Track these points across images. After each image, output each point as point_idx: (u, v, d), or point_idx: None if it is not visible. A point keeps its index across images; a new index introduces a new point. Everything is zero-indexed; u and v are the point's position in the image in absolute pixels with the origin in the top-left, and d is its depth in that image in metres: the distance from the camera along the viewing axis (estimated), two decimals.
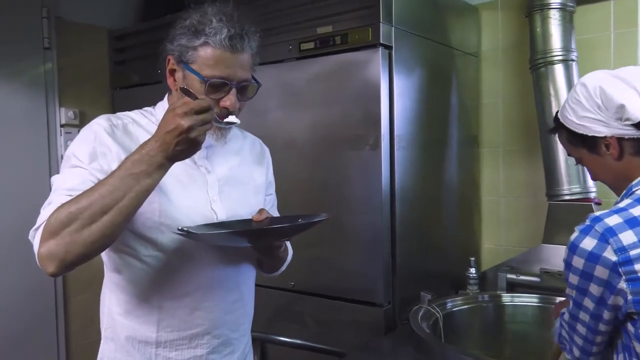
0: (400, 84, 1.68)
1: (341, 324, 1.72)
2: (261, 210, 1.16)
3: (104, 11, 2.42)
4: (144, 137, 1.12)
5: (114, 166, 1.02)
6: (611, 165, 1.05)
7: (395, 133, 1.65)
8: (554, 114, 1.61)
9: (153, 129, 1.14)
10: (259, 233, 1.12)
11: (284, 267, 1.33)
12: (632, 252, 0.89)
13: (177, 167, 1.12)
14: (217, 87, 1.09)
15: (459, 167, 2.04)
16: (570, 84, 1.75)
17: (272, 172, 1.39)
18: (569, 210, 1.75)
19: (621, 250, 0.89)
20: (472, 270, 1.85)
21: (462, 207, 2.08)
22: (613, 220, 0.92)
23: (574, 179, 1.74)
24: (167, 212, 1.09)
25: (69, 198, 0.99)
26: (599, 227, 0.92)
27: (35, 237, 1.00)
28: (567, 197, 1.75)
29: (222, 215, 1.16)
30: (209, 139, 1.11)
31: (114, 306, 1.18)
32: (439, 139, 1.94)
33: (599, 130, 1.03)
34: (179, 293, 1.13)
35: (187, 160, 1.14)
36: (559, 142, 1.70)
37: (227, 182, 1.21)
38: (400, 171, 1.68)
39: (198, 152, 1.14)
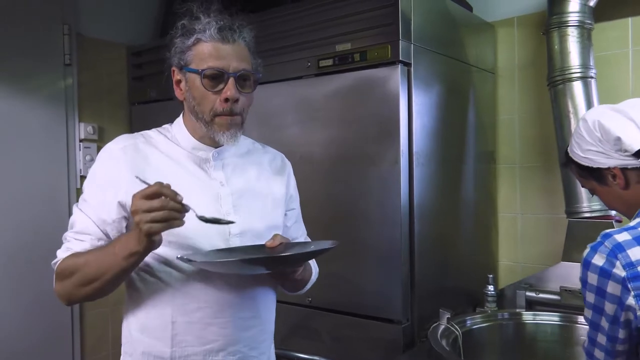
0: (419, 100, 1.68)
1: (359, 341, 1.70)
2: (275, 236, 1.14)
3: (123, 28, 2.46)
4: (155, 155, 1.17)
5: (124, 190, 1.10)
6: (620, 194, 1.11)
7: (414, 149, 1.65)
8: (573, 131, 1.64)
9: (167, 146, 1.19)
10: (257, 262, 1.09)
11: (308, 287, 1.33)
12: None
13: (187, 181, 1.16)
14: (214, 78, 1.11)
15: (475, 183, 2.04)
16: (589, 101, 1.75)
17: (294, 186, 1.38)
18: (589, 227, 1.73)
19: (629, 265, 0.92)
20: (491, 287, 1.84)
21: (479, 224, 2.07)
22: (622, 237, 0.95)
23: (593, 196, 1.72)
24: (177, 230, 1.07)
25: (78, 242, 1.12)
26: (608, 244, 0.96)
27: (54, 270, 1.13)
28: (587, 215, 1.73)
29: (236, 229, 1.16)
30: (224, 140, 1.15)
31: (131, 321, 1.18)
32: (457, 155, 1.94)
33: (603, 162, 1.09)
34: (191, 308, 1.13)
35: (199, 173, 1.18)
36: None
37: (243, 195, 1.21)
38: (419, 187, 1.67)
39: (213, 164, 1.19)
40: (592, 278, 0.97)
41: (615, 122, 1.07)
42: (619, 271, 0.93)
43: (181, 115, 1.24)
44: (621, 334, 0.95)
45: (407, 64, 1.65)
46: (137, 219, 0.96)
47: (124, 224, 1.14)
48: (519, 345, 1.71)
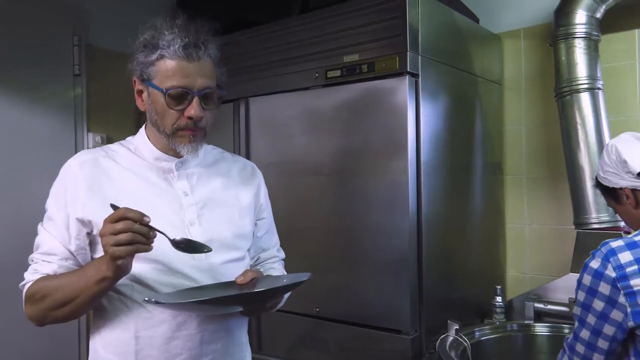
0: (427, 111, 1.69)
1: (366, 352, 1.70)
2: (245, 272, 1.12)
3: (133, 38, 2.47)
4: (115, 169, 1.16)
5: (80, 205, 1.10)
6: (632, 213, 1.23)
7: (422, 160, 1.66)
8: (580, 142, 1.67)
9: (129, 159, 1.18)
10: (230, 300, 1.04)
11: (282, 303, 1.26)
12: (628, 269, 1.05)
13: (150, 192, 1.15)
14: (178, 97, 1.09)
15: (483, 193, 2.04)
16: (597, 112, 1.76)
17: (265, 195, 1.36)
18: (598, 238, 1.68)
19: (619, 267, 1.05)
20: (499, 298, 1.83)
21: (486, 234, 2.07)
22: (616, 244, 1.09)
23: (602, 208, 1.72)
24: None
25: (45, 264, 1.11)
26: (604, 249, 1.09)
27: (23, 292, 1.12)
28: (596, 226, 1.73)
29: (200, 238, 1.13)
30: (185, 153, 1.14)
31: (96, 339, 1.17)
32: (464, 165, 1.94)
33: (616, 182, 1.23)
34: (155, 322, 1.10)
35: (162, 184, 1.17)
36: (585, 170, 1.72)
37: (207, 205, 1.19)
38: (427, 198, 1.67)
39: (176, 174, 1.18)
40: (587, 279, 1.10)
41: (627, 146, 1.20)
42: (610, 272, 1.05)
43: (144, 126, 1.23)
44: (606, 329, 1.07)
45: (414, 75, 1.66)
46: (103, 242, 0.96)
47: (87, 241, 1.12)
48: (528, 357, 1.70)
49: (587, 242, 1.76)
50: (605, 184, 1.26)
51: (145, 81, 1.12)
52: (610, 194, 1.27)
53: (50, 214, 1.13)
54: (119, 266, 0.97)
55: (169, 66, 1.08)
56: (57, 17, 2.21)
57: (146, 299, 1.02)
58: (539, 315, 1.80)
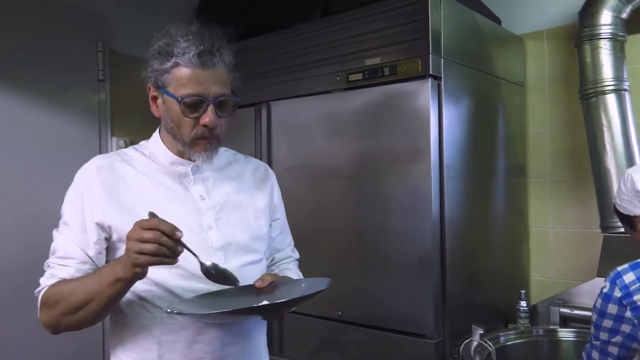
0: (449, 114, 1.68)
1: (389, 356, 1.69)
2: (264, 276, 1.12)
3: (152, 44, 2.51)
4: (131, 173, 1.15)
5: (99, 210, 1.09)
6: None
7: (445, 163, 1.65)
8: (606, 144, 1.64)
9: (144, 163, 1.18)
10: (251, 311, 1.02)
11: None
12: (632, 287, 1.15)
13: (166, 197, 1.14)
14: (193, 105, 1.09)
15: (506, 197, 2.01)
16: (623, 114, 1.73)
17: (279, 196, 1.35)
18: (625, 242, 1.69)
19: (624, 287, 1.16)
20: (523, 303, 1.81)
21: (510, 238, 2.04)
22: (622, 267, 1.18)
23: None
24: None
25: (62, 268, 1.09)
26: (612, 274, 1.19)
27: (39, 298, 1.10)
28: (623, 229, 1.70)
29: (218, 242, 1.14)
30: (200, 161, 1.15)
31: (117, 343, 1.17)
32: (486, 168, 1.93)
33: (630, 209, 1.32)
34: (176, 326, 1.10)
35: (178, 189, 1.16)
36: (612, 172, 1.70)
37: (224, 208, 1.19)
38: (450, 201, 1.66)
39: (192, 178, 1.18)
40: (598, 302, 1.21)
41: None
42: (617, 293, 1.16)
43: (157, 130, 1.22)
44: (616, 339, 1.18)
45: (437, 78, 1.65)
46: (128, 245, 0.95)
47: (105, 245, 1.12)
48: None
49: (614, 246, 1.73)
50: (621, 211, 1.35)
51: (160, 88, 1.12)
52: (626, 220, 1.37)
53: (66, 219, 1.12)
54: (137, 272, 0.97)
55: (183, 74, 1.08)
56: (81, 24, 2.25)
57: (168, 310, 1.00)
58: (565, 321, 1.77)
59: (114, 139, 2.33)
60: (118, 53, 2.38)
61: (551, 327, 1.71)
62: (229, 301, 1.04)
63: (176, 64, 1.08)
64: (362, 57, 1.77)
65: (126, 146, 2.34)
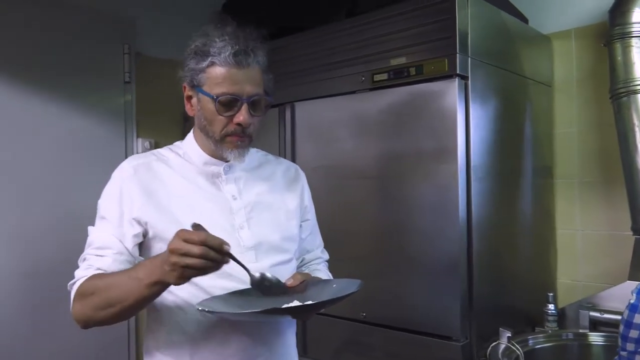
0: (476, 114, 1.66)
1: (415, 358, 1.67)
2: (295, 275, 1.13)
3: (180, 46, 2.52)
4: (167, 173, 1.18)
5: (137, 207, 1.11)
6: None
7: (472, 164, 1.63)
8: (638, 145, 1.61)
9: (178, 163, 1.20)
10: (283, 311, 1.02)
11: None
12: None
13: (199, 197, 1.16)
14: (227, 104, 1.11)
15: (533, 198, 1.98)
16: None
17: (309, 197, 1.37)
18: None
19: None
20: (551, 306, 1.78)
21: (537, 240, 2.01)
22: None
23: None
24: None
25: (99, 259, 1.10)
26: (638, 285, 1.25)
27: (72, 291, 1.11)
28: None
29: (250, 242, 1.16)
30: (232, 158, 1.16)
31: (150, 339, 1.19)
32: (513, 169, 1.90)
33: None
34: (209, 324, 1.11)
35: (211, 189, 1.18)
36: None
37: (255, 208, 1.21)
38: (477, 202, 1.64)
39: (224, 178, 1.19)
40: (625, 313, 1.24)
41: None
42: None
43: (191, 131, 1.25)
44: None
45: (464, 78, 1.63)
46: (173, 259, 0.93)
47: (140, 241, 1.14)
48: None
49: None
50: None
51: (195, 87, 1.14)
52: None
53: (104, 213, 1.14)
54: (181, 283, 0.97)
55: (219, 73, 1.10)
56: (108, 27, 2.28)
57: (199, 308, 1.01)
58: (594, 325, 1.73)
59: (140, 140, 2.37)
60: (144, 55, 2.42)
61: (581, 331, 1.68)
62: (260, 300, 1.05)
63: (212, 63, 1.10)
64: (388, 57, 1.76)
65: (151, 147, 2.39)
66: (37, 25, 2.07)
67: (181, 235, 0.94)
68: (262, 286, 1.05)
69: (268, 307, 0.99)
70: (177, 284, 0.97)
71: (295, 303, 1.03)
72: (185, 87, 1.18)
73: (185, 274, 0.95)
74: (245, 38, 1.13)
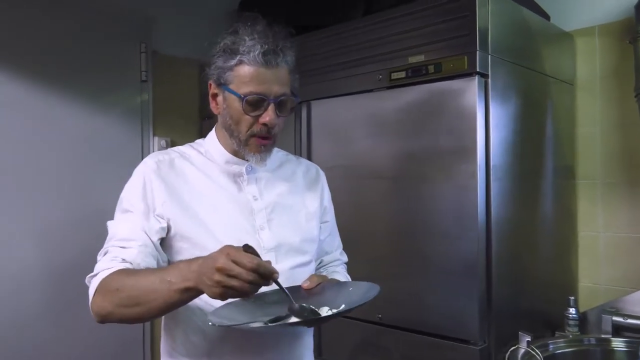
0: (496, 113, 1.62)
1: None
2: (311, 277, 1.11)
3: (197, 44, 2.52)
4: (189, 170, 1.17)
5: (160, 202, 1.09)
6: None
7: (491, 163, 1.59)
8: None
9: (200, 161, 1.19)
10: (299, 324, 1.00)
11: None
12: None
13: (220, 196, 1.15)
14: (254, 103, 1.10)
15: (554, 199, 1.94)
16: None
17: (328, 198, 1.36)
18: None
19: None
20: (572, 310, 1.74)
21: (558, 242, 1.96)
22: None
23: None
24: (209, 246, 1.05)
25: (122, 250, 1.06)
26: None
27: (91, 284, 1.06)
28: None
29: (270, 243, 1.15)
30: (254, 162, 1.15)
31: (167, 339, 1.18)
32: (534, 169, 1.86)
33: None
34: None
35: (232, 188, 1.17)
36: None
37: (276, 209, 1.20)
38: (497, 203, 1.61)
39: (246, 178, 1.18)
40: None
41: None
42: None
43: (214, 129, 1.24)
44: None
45: (484, 76, 1.59)
46: (217, 277, 0.89)
47: (164, 235, 1.12)
48: None
49: None
50: None
51: (221, 85, 1.13)
52: None
53: (127, 206, 1.12)
54: (218, 299, 0.95)
55: (247, 72, 1.09)
56: (125, 26, 2.29)
57: (210, 323, 0.97)
58: (617, 330, 1.68)
59: (156, 138, 2.37)
60: (160, 54, 2.42)
61: (603, 336, 1.63)
62: (274, 306, 1.03)
63: (240, 62, 1.10)
64: (405, 55, 1.73)
65: (167, 146, 2.39)
66: (55, 24, 2.08)
67: (231, 254, 0.90)
68: (298, 314, 1.01)
69: (281, 315, 0.98)
70: (213, 298, 0.94)
71: (309, 318, 1.02)
72: (211, 85, 1.17)
73: (226, 294, 0.92)
74: (275, 37, 1.12)
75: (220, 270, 0.90)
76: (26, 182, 2.01)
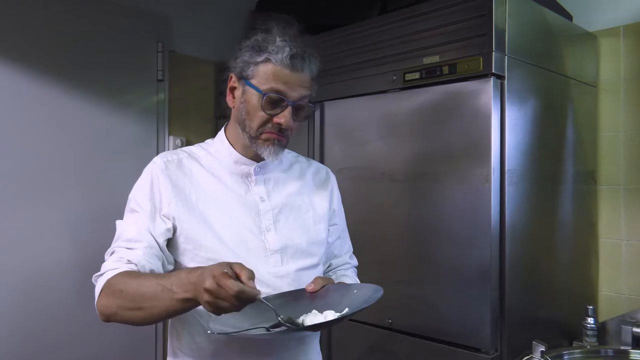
0: (513, 115, 1.58)
1: None
2: (316, 279, 1.10)
3: (213, 45, 2.54)
4: (197, 170, 1.17)
5: (167, 203, 1.10)
6: None
7: (507, 167, 1.55)
8: None
9: (209, 161, 1.19)
10: (304, 329, 0.99)
11: None
12: None
13: (227, 196, 1.15)
14: (274, 102, 1.10)
15: (573, 205, 1.88)
16: None
17: (338, 201, 1.34)
18: None
19: None
20: (590, 320, 1.68)
21: (577, 249, 1.90)
22: None
23: None
24: (214, 247, 1.05)
25: (128, 251, 1.08)
26: None
27: (97, 283, 1.08)
28: None
29: (275, 245, 1.14)
30: (267, 155, 1.14)
31: (174, 340, 1.18)
32: (552, 174, 1.80)
33: None
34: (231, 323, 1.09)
35: (240, 189, 1.17)
36: None
37: (283, 211, 1.19)
38: (511, 207, 1.56)
39: (254, 179, 1.17)
40: None
41: None
42: None
43: (223, 129, 1.24)
44: None
45: (500, 77, 1.55)
46: (206, 298, 0.91)
47: (169, 236, 1.12)
48: None
49: None
50: None
51: (243, 79, 1.13)
52: None
53: (134, 206, 1.13)
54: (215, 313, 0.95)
55: (272, 71, 1.10)
56: (142, 26, 2.31)
57: (209, 331, 0.97)
58: (637, 341, 1.62)
59: (171, 138, 2.38)
60: (177, 53, 2.43)
61: (622, 347, 1.57)
62: (278, 310, 1.01)
63: (267, 60, 1.10)
64: (420, 55, 1.70)
65: (182, 145, 2.40)
66: (72, 23, 2.11)
67: (216, 278, 0.90)
68: (288, 325, 0.99)
69: (280, 321, 0.96)
70: (209, 312, 0.95)
71: (312, 315, 1.00)
72: (231, 77, 1.17)
73: (218, 312, 0.93)
74: (304, 43, 1.13)
75: (207, 291, 0.91)
76: (42, 180, 2.03)
